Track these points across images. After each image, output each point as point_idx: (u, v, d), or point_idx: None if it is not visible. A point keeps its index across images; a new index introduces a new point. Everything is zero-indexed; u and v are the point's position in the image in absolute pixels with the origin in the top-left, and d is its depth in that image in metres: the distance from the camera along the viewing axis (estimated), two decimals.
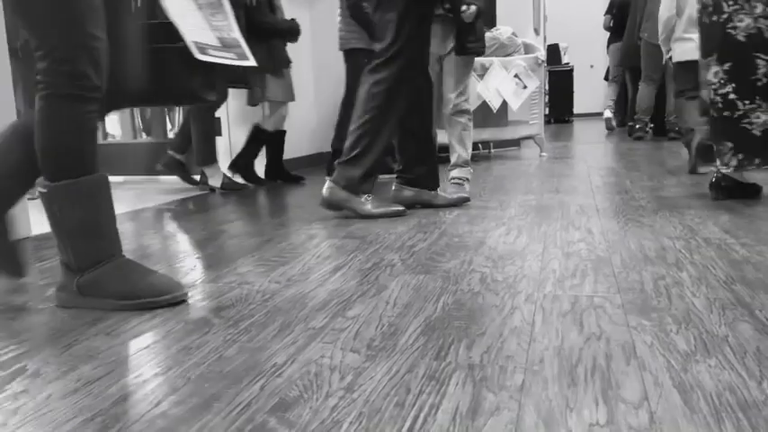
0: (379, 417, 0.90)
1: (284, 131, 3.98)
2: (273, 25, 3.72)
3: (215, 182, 3.72)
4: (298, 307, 1.42)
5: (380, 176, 3.05)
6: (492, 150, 5.58)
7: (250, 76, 3.60)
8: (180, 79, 1.60)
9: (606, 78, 8.03)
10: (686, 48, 4.05)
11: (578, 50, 10.97)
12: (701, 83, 2.63)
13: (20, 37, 2.78)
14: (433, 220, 2.44)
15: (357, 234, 2.23)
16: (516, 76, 4.54)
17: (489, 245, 1.98)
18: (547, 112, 10.85)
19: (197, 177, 3.85)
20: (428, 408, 0.92)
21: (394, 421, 0.89)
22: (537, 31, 6.90)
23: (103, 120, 2.83)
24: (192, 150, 3.72)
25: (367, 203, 2.56)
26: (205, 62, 1.59)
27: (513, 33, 4.88)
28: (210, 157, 3.71)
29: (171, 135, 4.72)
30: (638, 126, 6.32)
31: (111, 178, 1.62)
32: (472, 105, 3.43)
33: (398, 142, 2.76)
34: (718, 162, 2.56)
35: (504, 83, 4.49)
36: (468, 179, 3.08)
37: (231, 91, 3.79)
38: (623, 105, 7.69)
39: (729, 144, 2.48)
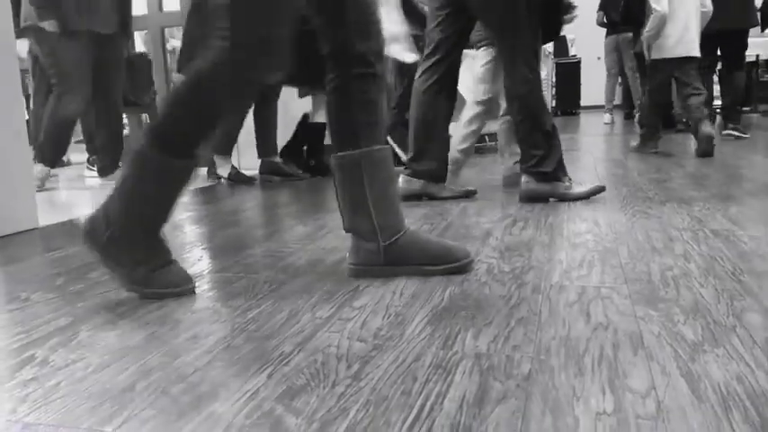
0: (386, 404, 0.90)
1: (324, 124, 4.04)
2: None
3: (223, 171, 3.73)
4: (305, 297, 1.42)
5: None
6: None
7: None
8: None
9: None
10: (663, 45, 4.15)
11: (585, 42, 10.91)
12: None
13: None
14: (440, 212, 2.44)
15: None
16: None
17: (496, 236, 1.98)
18: (554, 105, 10.82)
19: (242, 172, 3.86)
20: (435, 396, 0.92)
21: (401, 409, 0.89)
22: None
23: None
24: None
25: (444, 189, 2.75)
26: None
27: None
28: (227, 148, 3.72)
29: None
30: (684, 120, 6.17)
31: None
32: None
33: (414, 133, 2.75)
34: None
35: None
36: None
37: None
38: (629, 97, 7.64)
39: None
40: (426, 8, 2.87)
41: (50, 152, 3.58)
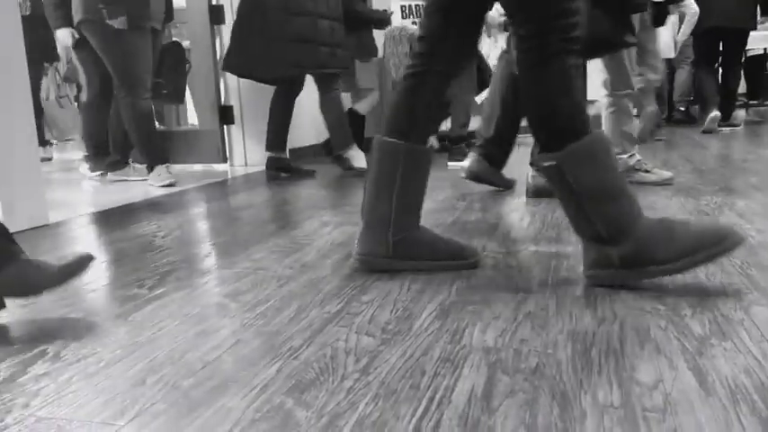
0: (394, 398, 0.91)
1: (364, 116, 4.11)
2: (366, 14, 3.83)
3: (359, 162, 3.60)
4: (313, 292, 1.43)
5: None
6: None
7: (349, 62, 3.72)
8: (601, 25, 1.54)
9: None
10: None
11: None
12: None
13: None
14: (446, 206, 2.44)
15: None
16: None
17: (503, 230, 1.98)
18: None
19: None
20: (443, 390, 0.93)
21: (410, 402, 0.89)
22: None
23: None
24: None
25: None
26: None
27: (501, 14, 4.92)
28: (348, 140, 3.66)
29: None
30: (681, 109, 6.17)
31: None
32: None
33: (499, 119, 2.73)
34: None
35: None
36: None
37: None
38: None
39: None
40: None
41: (151, 148, 3.46)
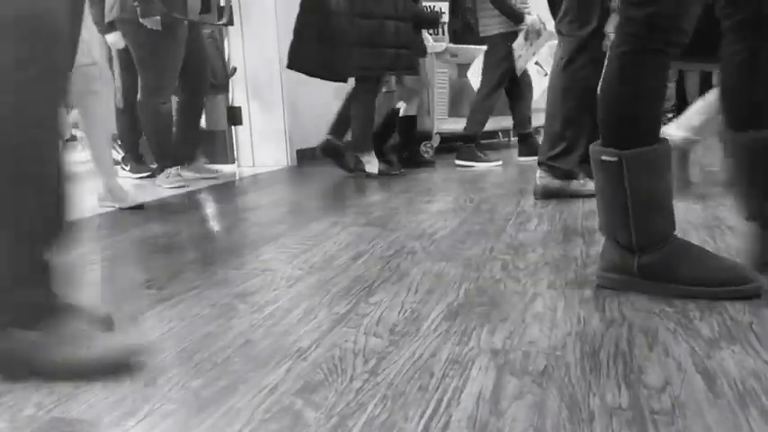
0: (403, 399, 0.91)
1: (414, 116, 4.11)
2: (419, 15, 3.84)
3: (372, 168, 3.59)
4: (321, 293, 1.44)
5: None
6: (512, 138, 5.55)
7: (416, 63, 3.76)
8: None
9: None
10: None
11: None
12: None
13: None
14: (453, 208, 2.45)
15: (378, 222, 2.24)
16: (537, 63, 4.51)
17: (510, 232, 1.98)
18: None
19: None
20: (452, 391, 0.93)
21: (418, 404, 0.90)
22: None
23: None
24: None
25: (587, 183, 2.53)
26: None
27: (541, 21, 4.86)
28: (366, 145, 3.62)
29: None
30: None
31: None
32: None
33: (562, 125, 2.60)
34: None
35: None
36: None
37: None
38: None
39: None
40: None
41: (165, 151, 3.45)
